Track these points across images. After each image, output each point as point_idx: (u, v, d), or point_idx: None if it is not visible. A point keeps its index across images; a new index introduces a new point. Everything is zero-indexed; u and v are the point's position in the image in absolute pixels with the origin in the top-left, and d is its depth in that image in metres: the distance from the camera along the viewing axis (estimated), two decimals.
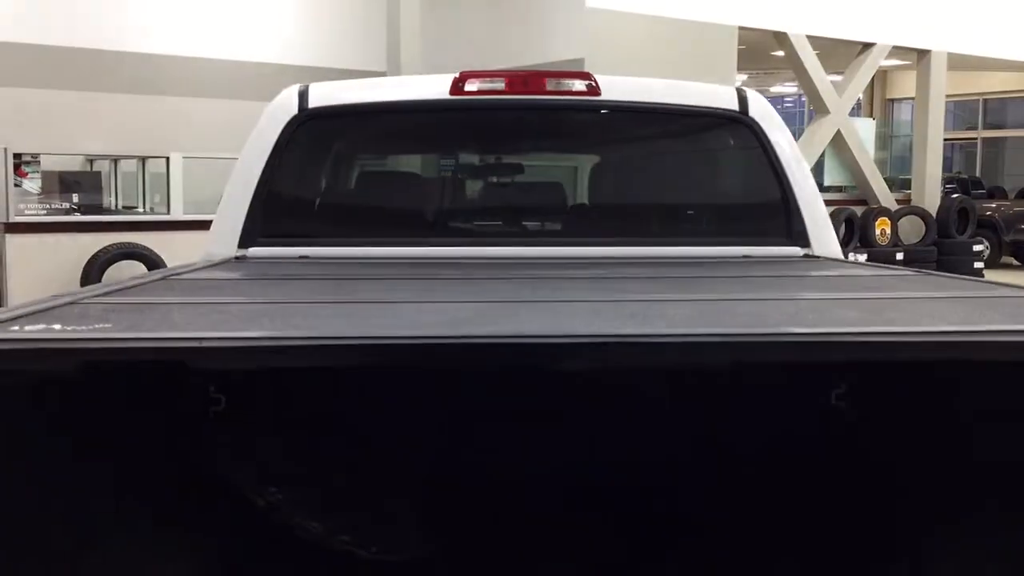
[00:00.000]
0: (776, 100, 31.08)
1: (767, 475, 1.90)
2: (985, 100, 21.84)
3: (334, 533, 2.14)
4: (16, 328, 1.45)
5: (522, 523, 1.99)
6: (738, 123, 3.37)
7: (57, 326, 1.49)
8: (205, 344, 1.44)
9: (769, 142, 3.33)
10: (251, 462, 1.89)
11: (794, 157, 3.37)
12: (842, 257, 3.40)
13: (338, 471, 1.90)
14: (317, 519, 2.07)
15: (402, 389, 1.75)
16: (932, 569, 1.97)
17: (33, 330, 1.44)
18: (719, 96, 3.38)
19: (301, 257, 3.04)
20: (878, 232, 14.80)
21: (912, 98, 16.87)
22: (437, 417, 1.96)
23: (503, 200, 3.62)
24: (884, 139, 21.31)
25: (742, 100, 3.38)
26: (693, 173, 3.63)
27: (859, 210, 14.89)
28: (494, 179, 3.80)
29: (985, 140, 22.35)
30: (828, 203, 14.69)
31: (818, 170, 15.93)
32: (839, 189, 15.88)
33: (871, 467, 1.79)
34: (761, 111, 3.38)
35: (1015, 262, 16.77)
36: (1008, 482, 1.95)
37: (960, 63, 16.56)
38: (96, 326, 1.55)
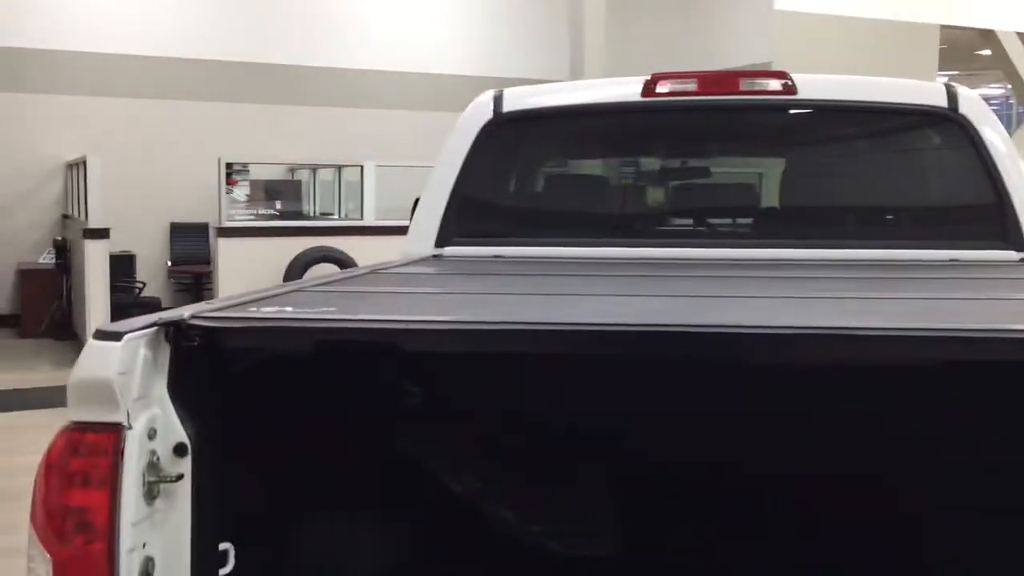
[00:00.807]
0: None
1: (986, 473, 1.81)
2: None
3: (526, 522, 2.20)
4: (254, 309, 1.58)
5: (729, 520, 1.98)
6: (947, 120, 3.21)
7: (289, 308, 1.62)
8: (413, 327, 1.52)
9: (981, 139, 3.15)
10: (446, 448, 1.98)
11: (1009, 155, 3.17)
12: None
13: (538, 460, 1.96)
14: (507, 506, 2.15)
15: (595, 379, 1.78)
16: None
17: (269, 311, 1.56)
18: (926, 92, 3.23)
19: (494, 256, 3.13)
20: None
21: None
22: (629, 409, 1.98)
23: (696, 202, 3.59)
24: None
25: (951, 96, 3.22)
26: (896, 173, 3.47)
27: None
28: (686, 181, 3.77)
29: None
30: None
31: None
32: None
33: None
34: (972, 107, 3.20)
35: None
36: None
37: None
38: (322, 310, 1.67)
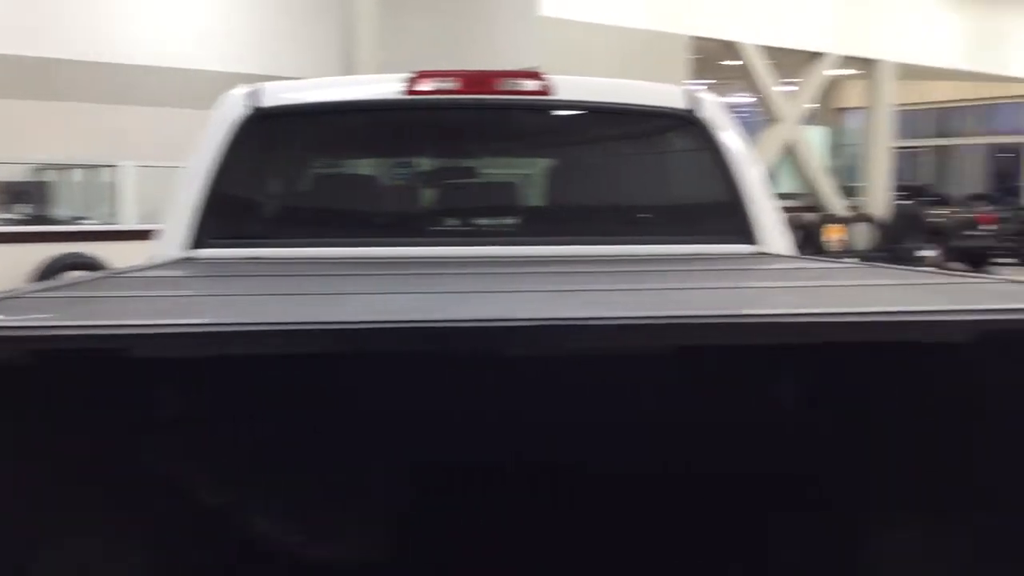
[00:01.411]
0: (734, 110, 31.50)
1: (717, 458, 1.92)
2: (933, 109, 22.31)
3: (278, 530, 2.14)
4: None
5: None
6: (688, 122, 3.40)
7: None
8: (143, 331, 1.43)
9: (719, 141, 3.36)
10: (192, 456, 1.87)
11: (744, 155, 3.40)
12: (792, 253, 3.44)
13: (286, 466, 1.88)
14: (257, 517, 2.07)
15: (345, 378, 1.74)
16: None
17: None
18: (668, 95, 3.41)
19: (252, 258, 3.00)
20: (831, 238, 15.05)
21: (862, 107, 17.19)
22: (385, 409, 1.96)
23: (458, 200, 3.61)
24: (835, 148, 21.68)
25: (691, 100, 3.41)
26: (645, 172, 3.66)
27: (812, 217, 15.13)
28: (449, 180, 3.78)
29: (932, 149, 22.83)
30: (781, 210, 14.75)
31: (771, 178, 16.17)
32: (792, 197, 16.13)
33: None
34: (710, 110, 3.40)
35: (964, 268, 17.12)
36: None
37: (909, 72, 16.92)
38: (35, 316, 1.53)
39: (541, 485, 2.14)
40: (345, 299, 2.01)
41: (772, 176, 16.01)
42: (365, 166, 3.97)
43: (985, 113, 21.68)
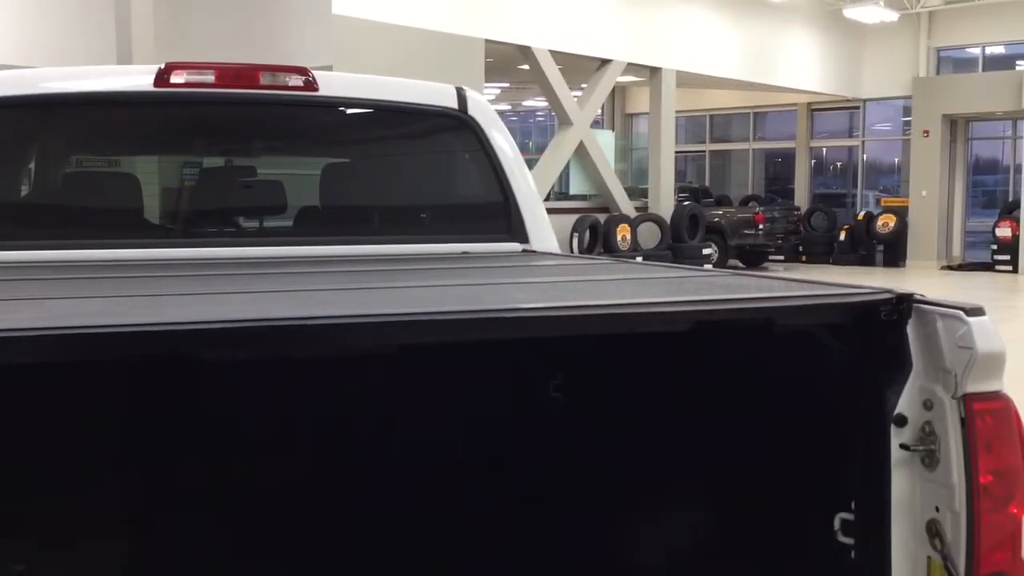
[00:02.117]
0: (528, 114, 32.24)
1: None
2: (712, 116, 23.72)
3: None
4: None
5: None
6: (458, 121, 3.40)
7: None
8: None
9: (488, 140, 3.38)
10: None
11: (513, 156, 3.44)
12: (558, 251, 3.52)
13: None
14: None
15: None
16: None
17: None
18: (438, 94, 3.39)
19: None
20: (619, 238, 15.68)
21: (648, 113, 18.03)
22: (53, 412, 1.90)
23: (215, 201, 3.43)
24: (624, 151, 22.64)
25: (461, 99, 3.41)
26: (415, 171, 3.62)
27: (602, 217, 15.71)
28: (208, 178, 3.60)
29: (712, 152, 24.28)
30: (573, 211, 15.28)
31: (564, 180, 16.67)
32: (584, 198, 16.69)
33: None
34: (479, 110, 3.42)
35: (741, 265, 18.32)
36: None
37: (688, 81, 17.91)
38: None
39: (259, 482, 2.16)
40: (40, 304, 1.87)
41: (564, 178, 16.51)
42: (113, 163, 3.73)
43: (758, 120, 23.30)
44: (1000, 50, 20.06)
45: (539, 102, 25.03)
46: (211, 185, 3.55)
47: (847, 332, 1.76)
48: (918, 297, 1.70)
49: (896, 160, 22.09)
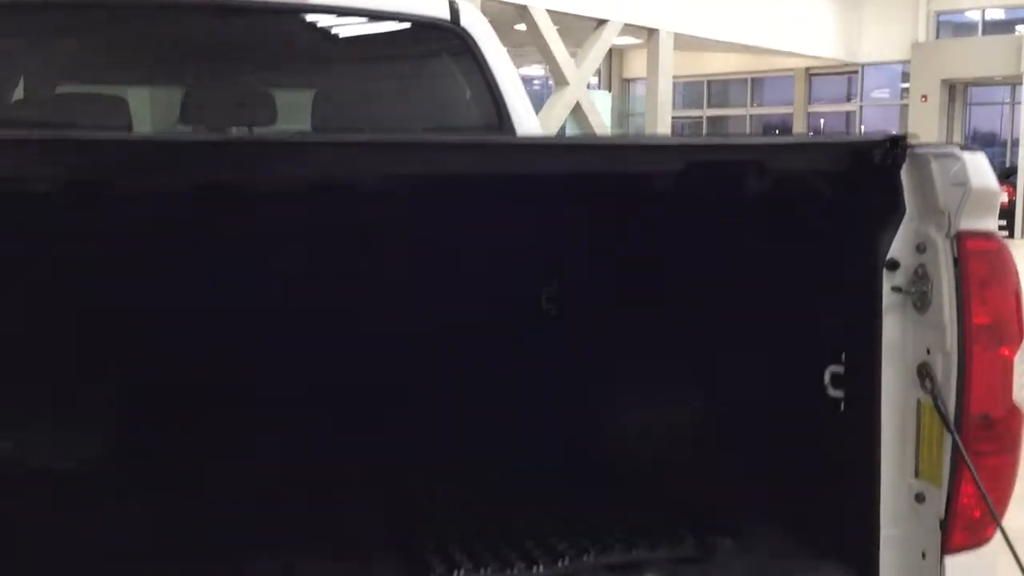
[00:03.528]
0: (525, 81, 32.07)
1: None
2: (709, 81, 23.64)
3: None
4: None
5: None
6: (449, 33, 3.31)
7: None
8: None
9: (482, 56, 3.29)
10: None
11: (510, 75, 3.34)
12: None
13: None
14: None
15: None
16: None
17: None
18: (427, 4, 3.28)
19: None
20: None
21: (645, 78, 17.94)
22: None
23: (202, 117, 3.29)
24: (621, 116, 22.57)
25: (453, 10, 3.31)
26: (402, 86, 3.53)
27: None
28: (192, 95, 3.41)
29: (710, 118, 24.22)
30: None
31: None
32: None
33: None
34: (474, 22, 3.33)
35: None
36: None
37: (685, 44, 17.81)
38: None
39: None
40: None
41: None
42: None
43: (755, 85, 23.22)
44: (1000, 14, 19.96)
45: (535, 70, 24.88)
46: (197, 103, 3.45)
47: (840, 179, 1.74)
48: (912, 140, 1.68)
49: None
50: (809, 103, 22.40)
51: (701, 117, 24.39)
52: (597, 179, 1.75)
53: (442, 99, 3.49)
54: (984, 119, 21.46)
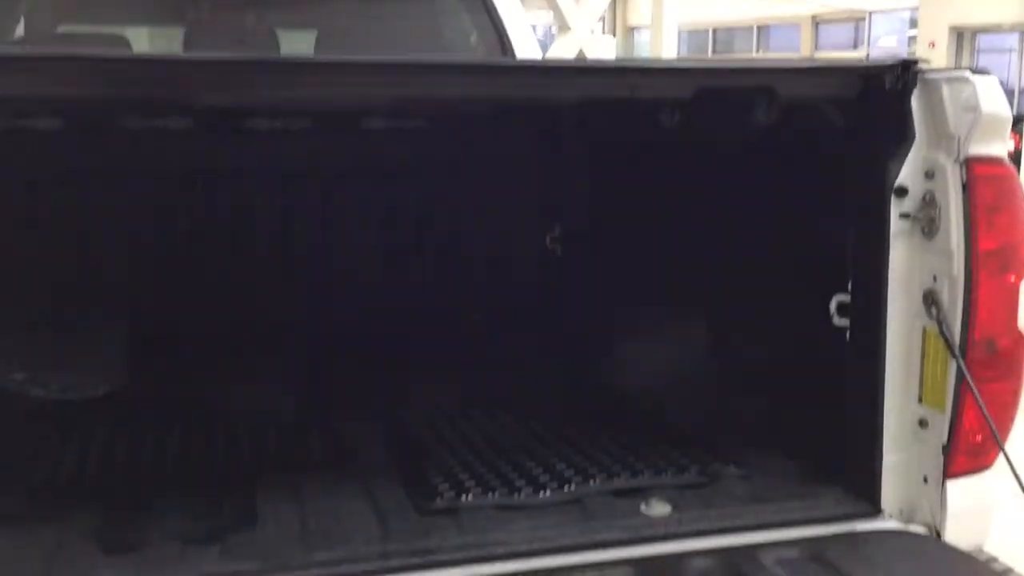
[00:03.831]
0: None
1: None
2: (715, 31, 23.35)
3: None
4: None
5: None
6: None
7: None
8: None
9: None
10: None
11: (514, 14, 3.29)
12: None
13: None
14: None
15: None
16: None
17: None
18: None
19: None
20: None
21: (649, 26, 17.70)
22: None
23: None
24: None
25: None
26: (406, 25, 3.47)
27: None
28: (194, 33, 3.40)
29: None
30: None
31: None
32: None
33: None
34: None
35: None
36: None
37: None
38: None
39: None
40: None
41: None
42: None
43: (761, 34, 22.94)
44: None
45: (539, 16, 24.52)
46: (198, 43, 3.42)
47: (850, 104, 1.72)
48: (923, 65, 1.67)
49: None
50: (815, 51, 22.15)
51: None
52: (604, 104, 1.74)
53: (447, 39, 3.47)
54: (992, 67, 21.21)
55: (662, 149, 2.29)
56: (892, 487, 1.72)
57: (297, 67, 1.46)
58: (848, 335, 1.79)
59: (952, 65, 19.39)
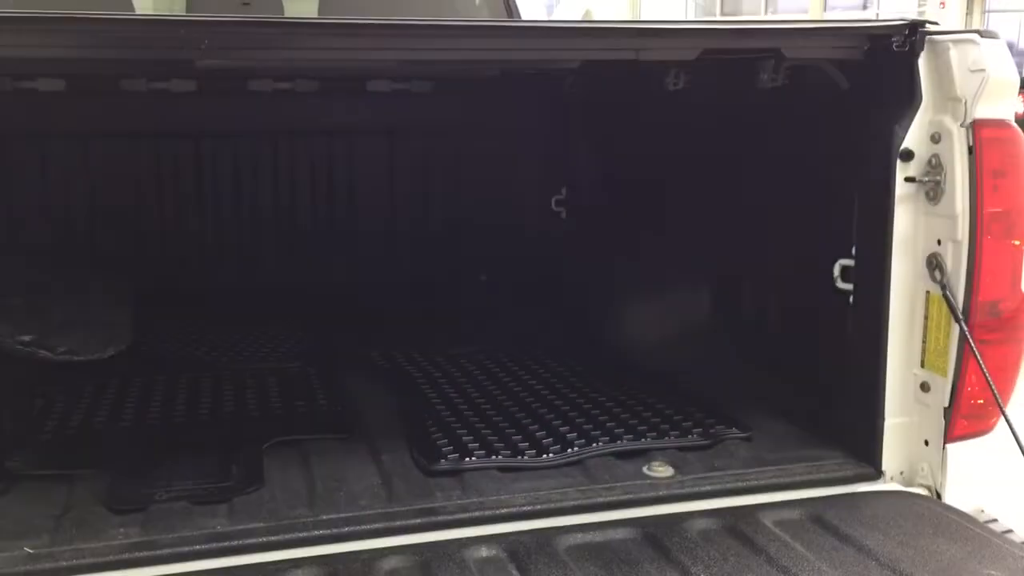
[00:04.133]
0: None
1: None
2: None
3: None
4: None
5: None
6: None
7: None
8: None
9: None
10: None
11: None
12: None
13: None
14: None
15: None
16: None
17: None
18: None
19: None
20: None
21: None
22: None
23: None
24: None
25: None
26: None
27: None
28: None
29: None
30: None
31: None
32: None
33: None
34: None
35: None
36: None
37: None
38: None
39: None
40: None
41: None
42: None
43: None
44: None
45: None
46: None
47: (857, 66, 1.71)
48: (931, 27, 1.65)
49: None
50: (825, 11, 21.86)
51: None
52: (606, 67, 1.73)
53: (450, 2, 3.44)
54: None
55: (668, 112, 2.27)
56: (893, 450, 1.73)
57: (298, 28, 1.45)
58: (851, 299, 1.79)
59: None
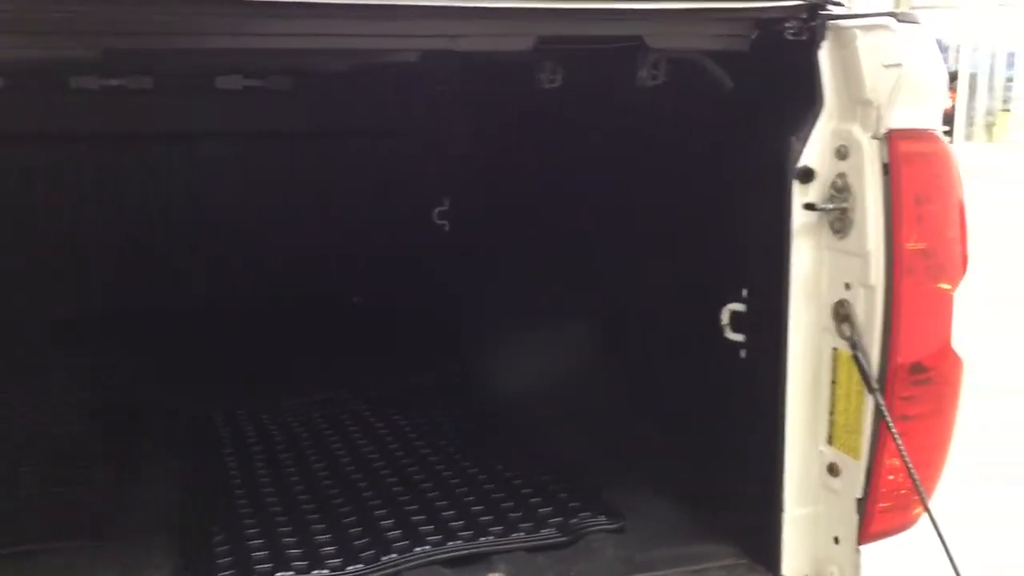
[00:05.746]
0: None
1: None
2: None
3: None
4: None
5: None
6: None
7: None
8: None
9: None
10: None
11: None
12: None
13: None
14: None
15: None
16: None
17: None
18: None
19: None
20: None
21: None
22: None
23: None
24: None
25: None
26: None
27: None
28: None
29: None
30: None
31: None
32: None
33: None
34: None
35: None
36: None
37: None
38: None
39: None
40: None
41: None
42: None
43: None
44: None
45: None
46: None
47: (742, 60, 1.33)
48: (833, 9, 1.27)
49: None
50: None
51: None
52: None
53: None
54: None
55: (546, 115, 1.90)
56: (795, 548, 1.36)
57: None
58: (743, 353, 1.42)
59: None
